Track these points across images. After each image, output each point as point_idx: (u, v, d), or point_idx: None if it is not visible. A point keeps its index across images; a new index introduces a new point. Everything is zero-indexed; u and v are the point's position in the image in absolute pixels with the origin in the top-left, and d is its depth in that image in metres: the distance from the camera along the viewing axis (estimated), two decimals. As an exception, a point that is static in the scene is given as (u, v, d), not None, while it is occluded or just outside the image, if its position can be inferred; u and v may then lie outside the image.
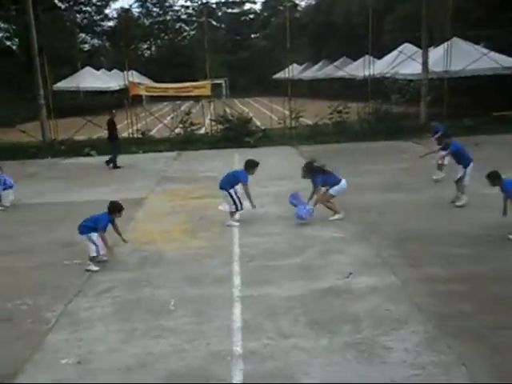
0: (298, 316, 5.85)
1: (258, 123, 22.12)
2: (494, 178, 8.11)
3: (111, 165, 16.28)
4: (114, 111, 16.90)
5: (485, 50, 21.92)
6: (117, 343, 5.47)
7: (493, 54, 21.56)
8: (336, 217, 9.40)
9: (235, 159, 16.69)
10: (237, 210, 9.41)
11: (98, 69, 41.28)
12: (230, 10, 74.41)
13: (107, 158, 16.57)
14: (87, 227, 7.66)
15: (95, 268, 7.53)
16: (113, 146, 16.68)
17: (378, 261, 7.46)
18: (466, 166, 9.82)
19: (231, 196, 9.28)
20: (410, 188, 11.08)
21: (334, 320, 5.72)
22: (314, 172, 9.37)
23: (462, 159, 9.94)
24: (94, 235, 7.57)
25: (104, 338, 5.60)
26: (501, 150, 15.41)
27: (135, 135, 21.20)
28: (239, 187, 9.34)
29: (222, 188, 9.39)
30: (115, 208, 7.81)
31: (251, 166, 9.48)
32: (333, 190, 9.39)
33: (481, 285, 6.50)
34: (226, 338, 5.45)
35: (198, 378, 4.78)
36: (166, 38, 67.16)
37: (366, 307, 6.00)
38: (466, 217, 9.23)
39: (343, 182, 9.44)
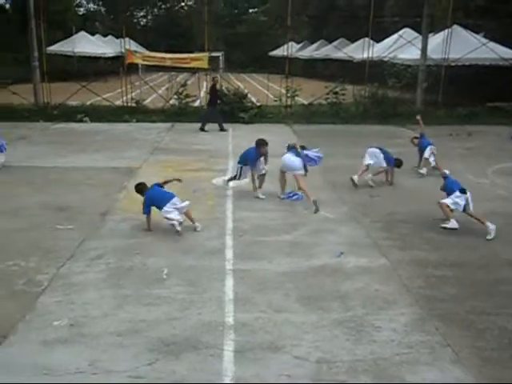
0: (290, 291, 5.94)
1: (254, 99, 21.98)
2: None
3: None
4: (216, 77, 18.15)
5: (484, 40, 21.88)
6: (109, 308, 5.52)
7: (492, 44, 21.53)
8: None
9: (229, 134, 16.67)
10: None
11: (92, 34, 40.56)
12: (229, -18, 73.19)
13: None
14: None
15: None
16: (211, 112, 17.54)
17: (368, 242, 7.56)
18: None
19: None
20: (403, 172, 11.13)
21: (325, 297, 5.82)
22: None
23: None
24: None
25: (96, 302, 5.64)
26: (492, 141, 15.55)
27: (129, 104, 21.00)
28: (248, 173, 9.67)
29: (238, 163, 9.78)
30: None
31: (260, 144, 9.57)
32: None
33: (468, 271, 6.63)
34: (218, 309, 5.53)
35: (189, 346, 4.86)
36: (163, 7, 66.02)
37: (355, 286, 6.10)
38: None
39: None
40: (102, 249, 7.10)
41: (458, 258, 7.01)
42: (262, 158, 9.59)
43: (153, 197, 7.79)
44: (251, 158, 9.48)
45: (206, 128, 17.30)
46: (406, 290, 6.06)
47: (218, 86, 18.34)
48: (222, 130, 17.33)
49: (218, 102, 18.06)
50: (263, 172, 9.65)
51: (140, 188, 8.08)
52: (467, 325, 5.32)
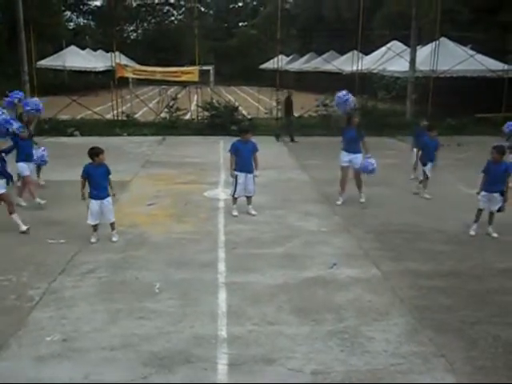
0: (283, 304, 5.93)
1: (245, 112, 22.08)
2: None
3: (286, 138, 18.34)
4: (290, 91, 18.92)
5: (471, 52, 22.19)
6: (101, 323, 5.48)
7: (479, 56, 21.83)
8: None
9: (220, 146, 16.70)
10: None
11: (82, 48, 40.64)
12: (218, -3, 73.75)
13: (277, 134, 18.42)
14: None
15: None
16: (288, 123, 18.67)
17: (361, 253, 7.58)
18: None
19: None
20: (394, 183, 11.22)
21: (318, 309, 5.81)
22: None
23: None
24: None
25: (88, 317, 5.60)
26: (481, 151, 15.64)
27: (120, 117, 21.01)
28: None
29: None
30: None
31: (241, 131, 9.65)
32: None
33: (461, 281, 6.65)
34: (211, 323, 5.50)
35: (182, 359, 4.83)
36: (153, 21, 66.34)
37: (348, 297, 6.11)
38: (450, 214, 9.40)
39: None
40: (93, 263, 7.06)
41: (450, 268, 7.04)
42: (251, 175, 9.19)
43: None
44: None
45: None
46: (399, 300, 6.07)
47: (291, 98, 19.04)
48: (292, 140, 18.36)
49: (288, 114, 18.85)
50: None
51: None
52: (460, 334, 5.33)
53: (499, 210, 8.23)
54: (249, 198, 9.32)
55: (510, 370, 4.74)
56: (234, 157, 9.13)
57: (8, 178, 8.38)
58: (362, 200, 10.13)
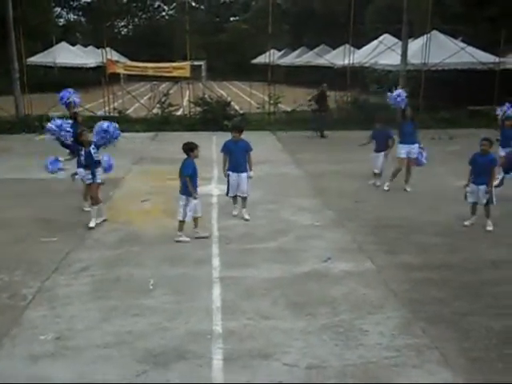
0: (277, 298, 5.94)
1: (237, 107, 22.03)
2: None
3: (319, 133, 18.00)
4: (324, 84, 18.37)
5: (462, 45, 22.21)
6: (95, 321, 5.47)
7: (470, 48, 21.85)
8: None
9: (213, 142, 16.63)
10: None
11: (73, 44, 40.38)
12: (210, -9, 73.39)
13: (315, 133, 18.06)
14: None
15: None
16: (321, 118, 18.20)
17: (354, 247, 7.60)
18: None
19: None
20: (387, 177, 11.21)
21: (312, 303, 5.83)
22: None
23: None
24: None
25: (82, 315, 5.59)
26: (474, 144, 15.69)
27: (112, 114, 20.90)
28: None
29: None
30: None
31: (233, 128, 9.46)
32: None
33: (453, 273, 6.69)
34: (206, 318, 5.51)
35: (178, 355, 4.83)
36: (144, 16, 65.99)
37: (343, 291, 6.13)
38: (442, 207, 9.44)
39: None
40: (87, 261, 7.04)
41: (443, 261, 7.07)
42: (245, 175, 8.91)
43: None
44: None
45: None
46: (392, 293, 6.10)
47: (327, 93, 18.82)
48: (322, 136, 18.04)
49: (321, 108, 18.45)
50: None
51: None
52: (454, 326, 5.37)
53: (487, 204, 8.24)
54: (243, 199, 8.97)
55: (503, 361, 4.78)
56: (226, 156, 8.92)
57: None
58: (409, 189, 10.65)
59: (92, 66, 35.13)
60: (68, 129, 8.92)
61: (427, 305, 5.83)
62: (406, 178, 10.78)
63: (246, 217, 8.84)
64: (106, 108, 21.04)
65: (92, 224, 8.35)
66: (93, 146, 8.55)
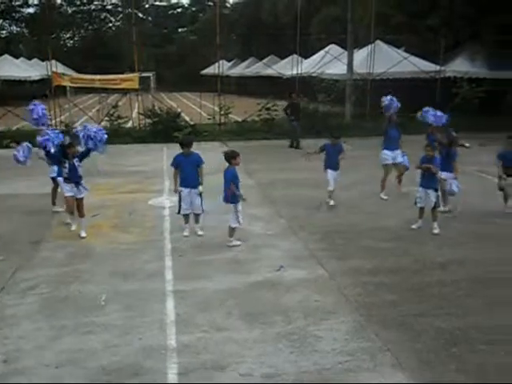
0: (231, 309, 5.93)
1: (187, 118, 21.95)
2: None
3: (295, 144, 17.79)
4: (293, 94, 18.65)
5: (405, 54, 22.95)
6: (45, 340, 5.30)
7: (413, 58, 22.61)
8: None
9: (164, 153, 16.50)
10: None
11: (16, 57, 39.27)
12: (157, 3, 73.00)
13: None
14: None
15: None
16: (294, 128, 18.02)
17: (307, 254, 7.69)
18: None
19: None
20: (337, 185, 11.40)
21: (267, 312, 5.85)
22: None
23: None
24: None
25: (31, 335, 5.41)
26: (415, 150, 16.22)
27: (58, 127, 20.39)
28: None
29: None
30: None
31: (182, 144, 8.68)
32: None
33: (403, 276, 6.87)
34: (159, 333, 5.43)
35: (132, 372, 4.74)
36: (90, 28, 64.92)
37: (296, 299, 6.18)
38: (391, 212, 9.67)
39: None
40: (35, 279, 6.82)
41: (393, 265, 7.25)
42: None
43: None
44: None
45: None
46: (345, 298, 6.19)
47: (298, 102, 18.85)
48: (297, 147, 17.59)
49: (293, 117, 18.25)
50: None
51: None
52: (405, 328, 5.50)
53: (434, 208, 8.53)
54: (196, 216, 8.62)
55: (454, 361, 4.91)
56: (176, 171, 8.48)
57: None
58: (404, 190, 10.66)
59: (36, 78, 34.22)
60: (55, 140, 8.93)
61: (379, 308, 5.95)
62: (399, 181, 10.89)
63: (200, 233, 8.54)
64: (53, 121, 20.50)
65: (83, 234, 8.46)
66: (76, 159, 8.51)
